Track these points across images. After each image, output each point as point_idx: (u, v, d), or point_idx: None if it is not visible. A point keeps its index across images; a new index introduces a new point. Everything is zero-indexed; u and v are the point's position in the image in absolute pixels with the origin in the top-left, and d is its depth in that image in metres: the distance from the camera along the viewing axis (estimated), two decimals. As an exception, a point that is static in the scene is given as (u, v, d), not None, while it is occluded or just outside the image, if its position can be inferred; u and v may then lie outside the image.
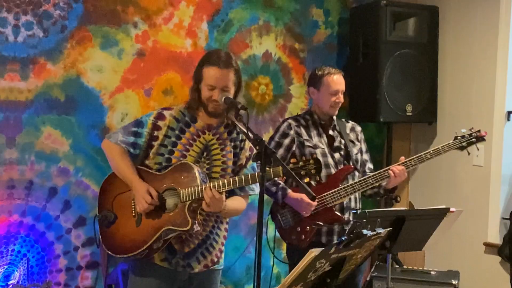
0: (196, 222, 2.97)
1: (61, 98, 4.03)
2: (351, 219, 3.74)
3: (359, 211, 3.42)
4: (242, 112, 2.85)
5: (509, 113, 4.79)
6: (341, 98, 3.80)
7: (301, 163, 2.87)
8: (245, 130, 2.77)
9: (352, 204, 3.79)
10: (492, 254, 4.77)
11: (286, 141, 3.78)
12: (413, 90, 4.99)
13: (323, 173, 3.70)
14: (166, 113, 3.10)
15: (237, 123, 3.01)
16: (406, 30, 5.04)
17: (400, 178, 3.71)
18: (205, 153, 3.08)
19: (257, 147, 2.67)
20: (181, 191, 2.97)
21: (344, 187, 3.67)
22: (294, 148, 3.78)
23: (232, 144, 3.15)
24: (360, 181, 3.68)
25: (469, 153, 3.81)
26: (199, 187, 2.93)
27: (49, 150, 4.00)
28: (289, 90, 4.99)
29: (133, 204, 3.05)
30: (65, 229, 4.08)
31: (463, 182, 5.03)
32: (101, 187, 3.16)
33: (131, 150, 3.07)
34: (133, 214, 3.05)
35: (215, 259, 3.18)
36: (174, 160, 3.04)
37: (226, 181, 2.94)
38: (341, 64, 5.20)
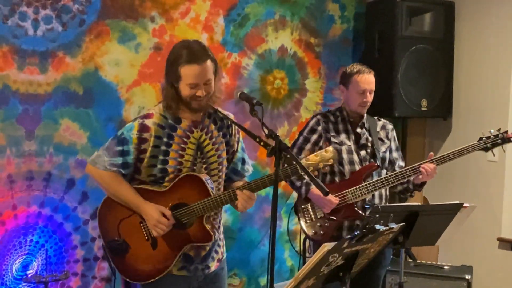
0: (214, 230, 2.96)
1: (79, 91, 4.08)
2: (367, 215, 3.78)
3: (373, 206, 3.46)
4: (257, 107, 2.77)
5: (524, 109, 4.79)
6: (369, 97, 3.79)
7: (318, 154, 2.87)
8: (260, 125, 2.76)
9: (376, 201, 3.81)
10: (506, 249, 4.79)
11: (314, 136, 3.82)
12: (428, 86, 5.00)
13: (347, 169, 3.75)
14: (148, 122, 2.89)
15: (217, 108, 2.95)
16: (422, 26, 5.05)
17: (431, 176, 3.71)
18: (199, 153, 2.96)
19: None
20: (194, 206, 2.88)
21: (365, 185, 3.69)
22: (321, 143, 3.81)
23: (221, 133, 3.04)
24: (382, 179, 3.70)
25: (494, 155, 3.78)
26: (214, 198, 2.88)
27: (67, 143, 4.05)
28: (304, 85, 5.02)
29: (142, 227, 2.93)
30: (82, 220, 4.14)
31: (477, 177, 5.04)
32: (98, 214, 2.99)
33: (123, 171, 2.89)
34: (146, 237, 2.93)
35: (223, 250, 3.17)
36: (170, 169, 2.91)
37: (254, 184, 2.88)
38: (357, 59, 5.21)
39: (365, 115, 3.87)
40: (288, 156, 2.69)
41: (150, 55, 4.31)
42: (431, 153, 3.80)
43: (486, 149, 3.74)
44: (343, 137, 3.81)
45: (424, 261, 4.76)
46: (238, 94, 2.91)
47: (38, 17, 3.92)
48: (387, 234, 2.80)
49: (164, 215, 2.86)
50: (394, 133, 4.00)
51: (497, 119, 4.81)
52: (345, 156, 3.75)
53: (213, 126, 3.02)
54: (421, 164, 3.72)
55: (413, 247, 4.94)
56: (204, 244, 2.95)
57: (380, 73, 4.89)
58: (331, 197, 3.65)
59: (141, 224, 2.93)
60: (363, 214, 3.72)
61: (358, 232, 2.57)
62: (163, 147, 2.90)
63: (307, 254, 4.11)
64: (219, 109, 3.00)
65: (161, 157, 2.90)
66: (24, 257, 3.95)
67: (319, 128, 3.82)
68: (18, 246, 3.93)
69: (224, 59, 4.56)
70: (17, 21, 3.84)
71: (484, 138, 3.73)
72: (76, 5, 4.01)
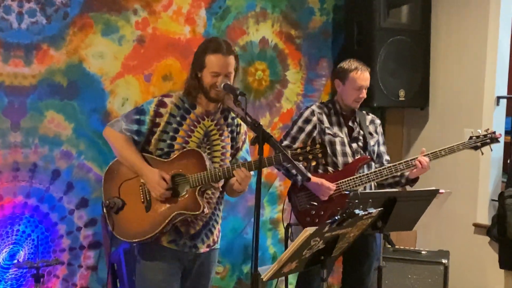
0: (205, 205, 3.09)
1: (63, 83, 4.12)
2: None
3: (353, 192, 3.57)
4: (240, 98, 2.92)
5: (498, 98, 4.90)
6: (364, 94, 3.93)
7: (308, 148, 3.00)
8: (244, 115, 2.88)
9: None
10: (481, 234, 4.90)
11: (309, 127, 3.92)
12: (406, 76, 5.10)
13: (341, 161, 3.88)
14: (167, 100, 3.17)
15: (232, 108, 3.13)
16: (399, 17, 5.14)
17: (424, 170, 3.85)
18: (205, 139, 3.18)
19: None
20: (190, 177, 3.06)
21: (359, 176, 3.82)
22: (315, 134, 3.91)
23: (229, 129, 3.26)
24: (375, 171, 3.84)
25: (482, 153, 3.93)
26: (209, 172, 3.04)
27: (52, 134, 4.10)
28: (285, 76, 5.09)
29: (141, 190, 3.13)
30: (68, 210, 4.19)
31: (453, 165, 5.13)
32: (104, 175, 3.23)
33: (136, 137, 3.13)
34: (142, 200, 3.13)
35: (216, 239, 3.31)
36: (177, 146, 3.13)
37: (248, 164, 3.06)
38: (336, 51, 5.30)
39: (356, 109, 3.97)
40: (272, 144, 2.81)
41: (133, 47, 4.36)
42: (423, 148, 3.92)
43: (475, 148, 3.92)
44: (336, 129, 3.92)
45: (402, 247, 4.87)
46: (222, 85, 3.03)
47: (22, 10, 3.95)
48: (366, 219, 2.90)
49: (164, 179, 3.05)
50: (381, 128, 4.15)
51: (472, 109, 4.94)
52: (338, 147, 3.87)
53: (223, 121, 3.24)
54: (414, 158, 3.84)
55: (391, 232, 5.05)
56: (192, 213, 3.07)
57: (358, 64, 5.02)
58: (328, 183, 3.78)
59: (140, 188, 3.14)
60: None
61: (339, 216, 2.68)
62: (174, 125, 3.14)
63: (289, 242, 4.20)
64: (235, 109, 3.12)
65: (171, 134, 3.14)
66: (11, 246, 4.00)
67: (314, 118, 3.92)
68: (5, 236, 3.97)
69: (206, 51, 4.61)
70: (1, 15, 3.87)
71: (474, 137, 3.89)
72: (60, -2, 4.06)
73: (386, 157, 4.09)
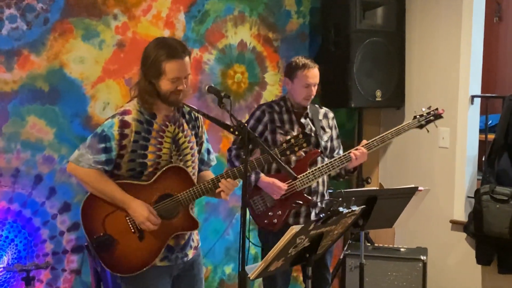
0: None
1: (45, 88, 4.12)
2: (318, 201, 3.94)
3: (336, 191, 3.62)
4: (225, 100, 2.93)
5: (472, 97, 4.98)
6: (313, 91, 3.93)
7: (292, 140, 2.98)
8: (229, 116, 2.90)
9: (320, 188, 3.97)
10: (458, 231, 4.97)
11: (260, 127, 3.94)
12: (382, 77, 5.16)
13: (293, 158, 3.85)
14: (128, 118, 2.99)
15: (186, 104, 3.07)
16: (375, 19, 5.20)
17: (360, 160, 3.86)
18: (174, 146, 3.08)
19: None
20: (180, 195, 2.99)
21: (312, 171, 3.82)
22: (266, 134, 3.94)
23: (190, 125, 3.18)
24: (327, 164, 3.83)
25: (428, 131, 3.99)
26: (199, 187, 2.99)
27: (34, 139, 4.10)
28: (264, 78, 5.14)
29: (128, 220, 3.00)
30: (50, 214, 4.19)
31: (430, 163, 5.22)
32: (81, 213, 3.04)
33: (106, 168, 2.97)
34: (132, 230, 3.01)
35: (197, 238, 3.30)
36: (150, 162, 3.00)
37: (231, 172, 3.00)
38: (314, 53, 5.36)
39: (308, 105, 4.00)
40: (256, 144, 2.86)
41: (114, 52, 4.37)
42: (364, 140, 3.96)
43: (421, 127, 3.97)
44: (287, 127, 3.93)
45: (381, 245, 4.94)
46: (206, 87, 3.04)
47: (2, 16, 3.95)
48: (349, 217, 2.97)
49: (153, 214, 2.96)
50: (335, 122, 4.15)
51: (447, 108, 5.01)
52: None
53: (182, 119, 3.14)
54: (355, 149, 3.87)
55: (370, 230, 5.12)
56: (191, 231, 3.07)
57: (336, 65, 5.09)
58: (280, 183, 3.77)
59: (127, 218, 3.01)
60: (313, 199, 3.87)
61: (324, 215, 2.74)
62: (142, 142, 3.00)
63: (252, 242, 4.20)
64: (190, 105, 3.12)
65: (140, 152, 3.00)
66: (-6, 252, 4.01)
67: (265, 118, 3.94)
68: (-11, 241, 3.98)
69: (185, 55, 4.65)
70: (-18, 21, 3.89)
71: (417, 116, 3.94)
72: (40, 3, 4.06)
73: (339, 151, 4.12)
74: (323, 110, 4.12)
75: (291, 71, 3.94)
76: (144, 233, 3.00)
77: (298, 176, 3.75)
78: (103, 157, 2.95)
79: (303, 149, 3.07)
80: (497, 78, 6.26)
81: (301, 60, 3.94)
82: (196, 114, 3.19)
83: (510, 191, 4.46)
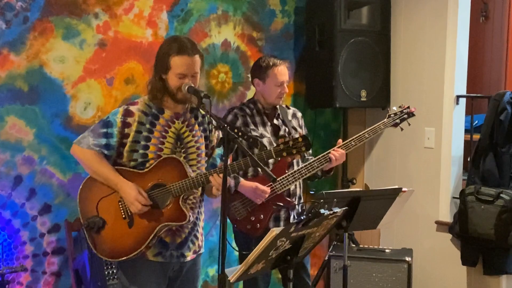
0: (189, 212, 3.04)
1: (24, 88, 4.07)
2: (296, 204, 3.90)
3: (319, 192, 3.58)
4: (205, 100, 2.91)
5: (458, 97, 4.97)
6: (286, 88, 3.90)
7: (290, 142, 2.94)
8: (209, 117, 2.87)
9: (298, 190, 3.94)
10: (444, 232, 4.95)
11: None
12: (367, 77, 5.14)
13: (271, 161, 3.77)
14: (133, 108, 3.08)
15: (201, 108, 3.05)
16: (360, 19, 5.18)
17: (339, 161, 3.82)
18: (178, 143, 3.11)
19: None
20: (172, 186, 2.99)
21: (291, 173, 3.77)
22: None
23: (201, 128, 3.20)
24: (307, 165, 3.78)
25: (402, 129, 4.01)
26: (191, 179, 2.98)
27: (13, 140, 4.05)
28: (248, 78, 5.08)
29: (120, 205, 3.05)
30: (30, 216, 4.14)
31: (415, 164, 5.21)
32: (79, 195, 3.13)
33: (105, 152, 3.05)
34: (123, 216, 3.05)
35: (200, 244, 3.27)
36: (151, 155, 3.04)
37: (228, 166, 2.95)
38: (298, 52, 5.33)
39: (278, 106, 3.97)
40: (237, 145, 2.82)
41: (95, 51, 4.33)
42: (340, 140, 3.93)
43: (395, 125, 3.98)
44: (261, 129, 3.88)
45: (366, 246, 4.92)
46: (186, 88, 3.01)
47: (-19, 15, 3.91)
48: (331, 218, 2.93)
49: (141, 194, 2.99)
50: (303, 121, 4.13)
51: (433, 108, 5.01)
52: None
53: (193, 121, 3.18)
54: (333, 149, 3.82)
55: (355, 231, 5.10)
56: (178, 224, 3.02)
57: (321, 65, 5.07)
58: (262, 187, 3.71)
59: (120, 203, 3.06)
60: (293, 201, 3.84)
61: (305, 216, 2.70)
62: (145, 133, 3.06)
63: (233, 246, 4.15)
64: (204, 108, 3.06)
65: (142, 143, 3.06)
66: (-28, 254, 3.95)
67: (238, 122, 3.88)
68: (-33, 244, 3.92)
69: (168, 54, 4.60)
70: (-40, 19, 3.83)
71: (391, 115, 3.95)
72: (19, 2, 4.01)
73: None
74: (291, 110, 4.10)
75: (261, 71, 3.89)
76: (133, 220, 3.03)
77: (278, 179, 3.72)
78: (103, 141, 3.05)
79: (301, 153, 3.01)
80: (483, 78, 6.26)
81: (269, 59, 3.91)
82: (210, 118, 3.19)
83: (495, 192, 4.44)
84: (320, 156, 3.82)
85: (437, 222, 5.03)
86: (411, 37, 5.23)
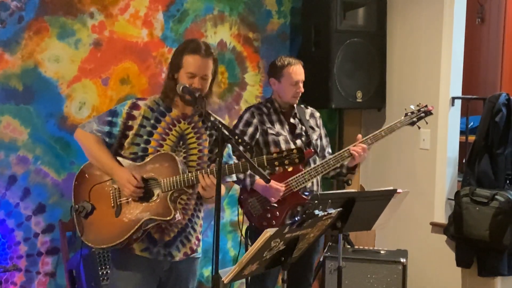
0: (178, 211, 3.02)
1: (19, 88, 4.07)
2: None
3: (312, 193, 3.58)
4: (198, 100, 2.91)
5: (453, 98, 4.96)
6: (301, 88, 3.92)
7: (284, 153, 2.89)
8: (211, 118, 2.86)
9: (315, 188, 3.94)
10: (439, 233, 4.95)
11: (250, 129, 3.89)
12: (363, 78, 5.14)
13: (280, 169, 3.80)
14: (140, 103, 3.12)
15: (210, 112, 3.08)
16: (356, 20, 5.17)
17: (363, 156, 3.84)
18: (181, 142, 3.11)
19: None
20: (162, 181, 2.98)
21: (307, 171, 3.79)
22: (257, 136, 3.89)
23: (208, 132, 3.18)
24: (322, 163, 3.80)
25: (419, 127, 3.99)
26: (181, 176, 2.96)
27: (8, 139, 4.04)
28: (244, 79, 5.10)
29: (111, 193, 3.07)
30: (25, 216, 4.13)
31: (410, 165, 5.21)
32: (75, 179, 3.15)
33: (107, 139, 3.08)
34: (112, 204, 3.06)
35: (194, 247, 3.23)
36: (151, 149, 3.06)
37: (215, 169, 2.91)
38: (294, 53, 5.32)
39: (295, 105, 3.98)
40: (231, 146, 2.81)
41: (90, 51, 4.32)
42: (359, 135, 3.93)
43: (412, 123, 3.95)
44: (278, 127, 3.90)
45: (361, 247, 4.91)
46: (180, 88, 3.01)
47: (-24, 14, 3.90)
48: (326, 219, 2.93)
49: (134, 177, 2.99)
50: (321, 121, 4.14)
51: (428, 109, 5.01)
52: (283, 146, 3.85)
53: (201, 124, 3.17)
54: (354, 146, 3.83)
55: (350, 232, 5.09)
56: (163, 219, 2.98)
57: (316, 66, 5.05)
58: (277, 184, 3.73)
59: (111, 191, 3.08)
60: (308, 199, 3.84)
61: (299, 217, 2.69)
62: (148, 128, 3.08)
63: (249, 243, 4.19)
64: (209, 112, 3.08)
65: (145, 137, 3.08)
66: (-34, 254, 3.94)
67: (254, 120, 3.90)
68: (-39, 244, 3.92)
69: (164, 54, 4.60)
70: (-46, 18, 3.82)
71: (409, 113, 3.94)
72: (14, 1, 4.00)
73: (328, 149, 4.10)
74: (309, 110, 4.11)
75: (277, 71, 3.92)
76: (121, 210, 3.04)
77: (294, 177, 3.77)
78: (106, 128, 3.08)
79: (294, 165, 2.99)
80: (478, 79, 6.26)
81: (285, 58, 3.94)
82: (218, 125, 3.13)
83: (490, 193, 4.44)
84: (336, 154, 3.83)
85: (432, 224, 5.03)
86: (407, 38, 5.23)
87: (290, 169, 3.76)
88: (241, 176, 3.79)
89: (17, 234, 4.11)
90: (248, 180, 3.80)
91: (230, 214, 5.09)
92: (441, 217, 5.00)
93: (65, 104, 4.24)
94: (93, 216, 3.08)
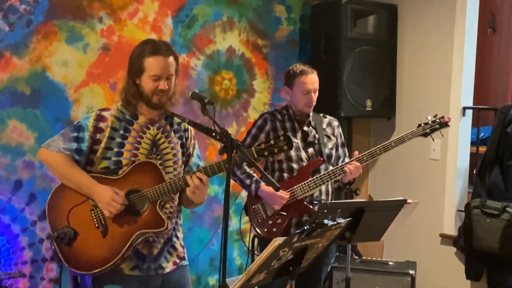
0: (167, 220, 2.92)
1: (26, 91, 4.04)
2: (316, 210, 3.85)
3: (322, 203, 3.53)
4: (209, 106, 2.82)
5: (464, 108, 4.93)
6: (313, 97, 3.86)
7: (271, 141, 2.86)
8: (212, 124, 2.78)
9: (323, 196, 3.89)
10: (448, 245, 4.92)
11: (262, 135, 3.86)
12: (372, 86, 5.11)
13: (296, 167, 3.82)
14: (105, 113, 2.95)
15: (176, 113, 3.00)
16: (366, 28, 5.16)
17: (354, 174, 3.78)
18: (154, 149, 2.99)
19: (224, 140, 2.72)
20: (148, 191, 2.88)
21: (313, 179, 3.75)
22: (269, 138, 3.85)
23: (177, 135, 3.09)
24: (328, 172, 3.76)
25: (433, 139, 3.90)
26: (169, 183, 2.88)
27: (14, 143, 4.01)
28: (252, 85, 5.07)
29: (93, 214, 2.90)
30: (30, 221, 4.10)
31: (420, 175, 5.17)
32: (47, 205, 2.94)
33: (76, 157, 2.90)
34: (96, 225, 2.89)
35: (181, 255, 3.14)
36: (125, 161, 2.92)
37: (204, 169, 2.87)
38: (303, 60, 5.29)
39: (311, 113, 3.94)
40: (240, 152, 2.76)
41: (99, 56, 4.30)
42: (356, 151, 3.86)
43: (425, 135, 3.85)
44: (290, 135, 3.86)
45: (369, 258, 4.86)
46: (190, 93, 2.95)
47: (-16, 17, 3.88)
48: (335, 229, 2.88)
49: (117, 194, 2.85)
50: (340, 130, 4.09)
51: (439, 119, 4.96)
52: (293, 153, 3.82)
53: (169, 128, 3.07)
54: (348, 162, 3.78)
55: (359, 243, 5.04)
56: (156, 231, 2.89)
57: (326, 74, 4.99)
58: (281, 192, 3.70)
59: (92, 212, 2.90)
60: (314, 208, 3.79)
61: (308, 227, 2.64)
62: (118, 139, 2.93)
63: (255, 253, 4.16)
64: (176, 114, 3.02)
65: (116, 149, 2.92)
66: (-30, 259, 3.91)
67: (267, 127, 3.88)
68: (-35, 248, 3.88)
69: (172, 60, 4.57)
70: (-37, 21, 3.80)
71: (422, 124, 3.84)
72: (23, 5, 3.98)
73: (345, 159, 4.04)
74: (327, 119, 4.06)
75: (289, 79, 3.89)
76: (107, 229, 2.89)
77: (299, 185, 3.73)
78: (73, 145, 2.90)
79: (283, 152, 2.94)
80: (489, 89, 6.21)
81: (298, 67, 3.88)
82: (186, 126, 3.12)
83: (501, 205, 4.39)
84: (333, 168, 3.79)
85: (442, 235, 4.99)
86: (418, 47, 5.19)
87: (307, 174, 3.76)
88: (248, 181, 3.76)
89: (22, 239, 4.08)
90: (253, 186, 3.78)
91: (236, 222, 5.04)
92: (451, 229, 4.96)
93: (72, 108, 4.21)
94: (78, 241, 2.89)
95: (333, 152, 3.97)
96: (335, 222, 2.80)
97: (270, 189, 3.72)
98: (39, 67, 4.07)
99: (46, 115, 4.11)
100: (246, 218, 4.77)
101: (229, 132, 2.75)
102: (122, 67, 4.31)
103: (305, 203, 3.78)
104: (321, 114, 4.06)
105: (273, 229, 3.80)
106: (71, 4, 4.16)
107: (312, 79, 3.86)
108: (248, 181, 3.79)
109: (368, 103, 5.07)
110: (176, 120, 3.08)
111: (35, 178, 4.09)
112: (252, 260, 4.15)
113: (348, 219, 2.95)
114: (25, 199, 4.08)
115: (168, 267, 3.05)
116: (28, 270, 4.10)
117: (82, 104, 4.24)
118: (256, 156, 2.87)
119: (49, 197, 2.97)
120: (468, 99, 5.00)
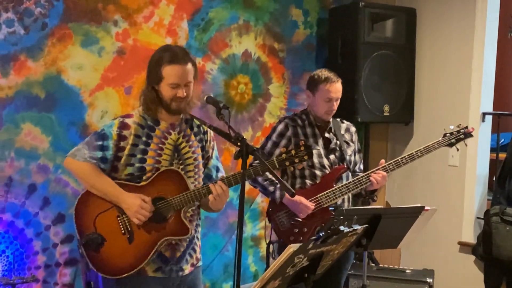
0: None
1: (41, 95, 4.03)
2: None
3: (338, 209, 3.48)
4: (223, 111, 2.83)
5: (484, 114, 4.87)
6: (335, 106, 3.80)
7: (292, 151, 2.87)
8: (227, 128, 2.79)
9: (345, 205, 3.84)
10: (467, 253, 4.86)
11: (283, 141, 3.81)
12: (390, 91, 5.06)
13: (319, 174, 3.76)
14: (129, 121, 2.98)
15: (195, 116, 3.01)
16: (384, 32, 5.12)
17: (381, 183, 3.75)
18: (176, 154, 3.02)
19: (239, 144, 2.71)
20: (173, 199, 2.92)
21: (338, 187, 3.72)
22: (290, 148, 3.80)
23: (197, 138, 3.11)
24: (354, 180, 3.73)
25: (458, 149, 3.87)
26: (194, 191, 2.91)
27: (29, 147, 4.00)
28: (268, 90, 5.04)
29: (119, 220, 2.95)
30: (44, 225, 4.08)
31: (438, 182, 5.11)
32: (75, 211, 2.99)
33: (102, 165, 2.94)
34: (122, 231, 2.95)
35: (198, 256, 3.19)
36: (149, 168, 2.95)
37: (227, 179, 2.91)
38: (320, 64, 5.26)
39: (331, 119, 3.90)
40: (256, 157, 2.74)
41: (114, 59, 4.28)
42: (382, 160, 3.83)
43: (450, 145, 3.84)
44: (311, 141, 3.81)
45: (386, 265, 4.81)
46: (205, 98, 2.97)
47: (0, 20, 3.87)
48: (351, 236, 2.83)
49: (145, 202, 2.89)
50: (357, 136, 4.05)
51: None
52: (316, 160, 3.76)
53: (189, 131, 3.09)
54: (374, 171, 3.74)
55: (375, 250, 4.99)
56: (181, 238, 2.95)
57: (343, 78, 4.90)
58: (307, 202, 3.67)
59: (118, 218, 2.95)
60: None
61: (323, 233, 2.60)
62: (141, 146, 2.96)
63: (270, 259, 4.11)
64: (196, 116, 3.05)
65: (139, 156, 2.95)
66: (-16, 263, 3.89)
67: (288, 133, 3.81)
68: (-21, 252, 3.87)
69: (188, 64, 4.55)
70: (-22, 24, 3.80)
71: (447, 134, 3.81)
72: (38, 8, 3.97)
73: (360, 166, 4.01)
74: (345, 124, 4.01)
75: (313, 84, 3.82)
76: (134, 235, 2.94)
77: (324, 193, 3.70)
78: (99, 154, 2.94)
79: (304, 162, 2.93)
80: (509, 95, 6.13)
81: (324, 73, 3.81)
82: (206, 128, 3.14)
83: (521, 213, 4.31)
84: (360, 176, 3.75)
85: (460, 243, 4.93)
86: (437, 51, 5.14)
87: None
88: (271, 188, 3.71)
89: (36, 244, 4.06)
90: (277, 193, 3.73)
91: (251, 228, 5.01)
92: (470, 237, 4.90)
93: (87, 112, 4.19)
94: (105, 248, 2.95)
95: (352, 158, 3.92)
96: (351, 229, 2.75)
97: (296, 197, 3.67)
98: (54, 70, 4.06)
99: (60, 119, 4.10)
100: (261, 224, 4.74)
101: (244, 137, 2.72)
102: (137, 71, 4.36)
103: (330, 211, 3.72)
104: (339, 119, 4.00)
105: (300, 238, 3.74)
106: (86, 7, 4.14)
107: (336, 88, 3.79)
108: (271, 188, 3.73)
109: (386, 108, 5.02)
110: (196, 122, 3.12)
111: (49, 182, 4.07)
112: (268, 266, 4.10)
113: (364, 225, 2.90)
114: (39, 203, 4.06)
115: (187, 269, 3.10)
116: (42, 275, 4.08)
117: (96, 108, 4.22)
118: (277, 166, 2.89)
119: (76, 203, 3.01)
120: (488, 105, 4.94)
